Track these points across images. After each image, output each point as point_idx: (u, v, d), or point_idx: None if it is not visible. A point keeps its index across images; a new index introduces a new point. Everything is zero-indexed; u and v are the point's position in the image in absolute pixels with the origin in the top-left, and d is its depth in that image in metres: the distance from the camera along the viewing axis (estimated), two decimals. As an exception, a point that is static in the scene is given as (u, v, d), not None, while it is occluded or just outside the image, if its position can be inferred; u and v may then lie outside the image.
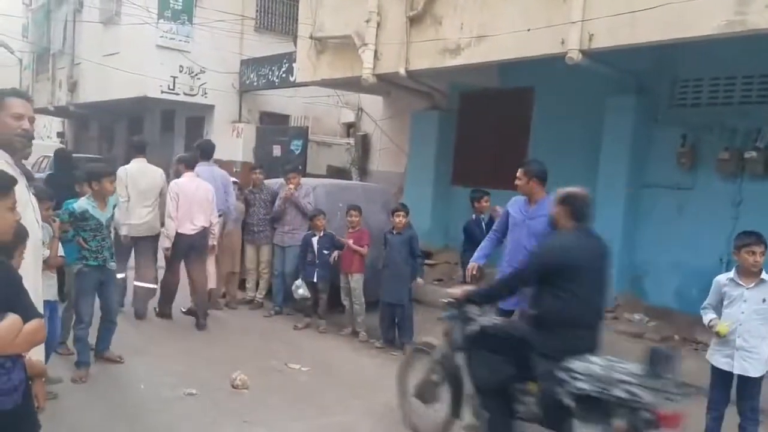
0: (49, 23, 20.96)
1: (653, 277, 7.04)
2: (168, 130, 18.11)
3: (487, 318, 3.80)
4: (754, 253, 3.85)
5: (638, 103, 7.01)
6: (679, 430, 3.06)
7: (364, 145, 12.18)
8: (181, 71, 15.17)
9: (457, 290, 3.94)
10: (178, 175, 6.80)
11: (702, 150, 6.69)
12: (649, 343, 6.27)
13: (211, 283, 6.97)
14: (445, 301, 3.97)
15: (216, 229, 6.75)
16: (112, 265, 5.07)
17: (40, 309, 2.32)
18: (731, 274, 4.00)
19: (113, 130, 21.37)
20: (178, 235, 6.42)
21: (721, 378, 4.03)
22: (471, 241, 6.36)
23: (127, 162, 6.95)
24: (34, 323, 2.09)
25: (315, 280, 6.74)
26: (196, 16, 15.11)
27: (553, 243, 3.63)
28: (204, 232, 6.54)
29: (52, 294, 4.31)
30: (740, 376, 3.95)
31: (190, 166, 6.77)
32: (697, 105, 6.80)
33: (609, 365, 3.17)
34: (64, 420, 3.90)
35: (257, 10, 16.06)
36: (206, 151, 7.37)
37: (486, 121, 8.99)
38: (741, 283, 3.93)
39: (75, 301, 4.96)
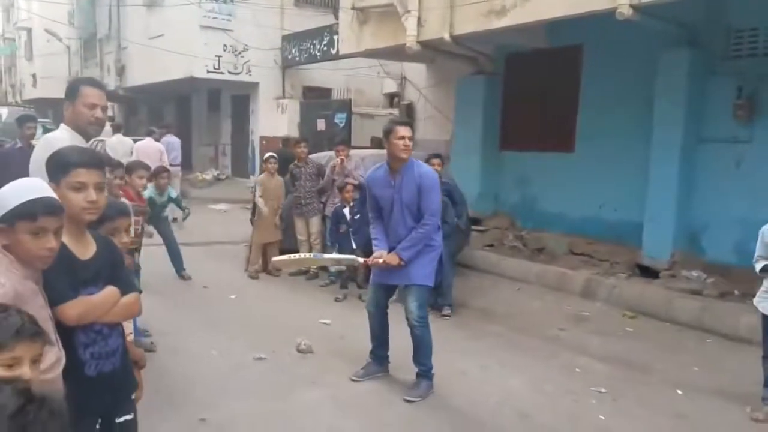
0: (95, 9, 21.45)
1: (711, 233, 6.93)
2: (215, 109, 18.45)
3: None
4: None
5: (692, 56, 6.83)
6: None
7: (408, 114, 12.17)
8: (225, 50, 15.39)
9: None
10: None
11: (760, 101, 6.50)
12: (707, 299, 6.26)
13: None
14: None
15: None
16: (163, 216, 7.10)
17: None
18: None
19: (162, 112, 21.85)
20: None
21: None
22: None
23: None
24: (131, 296, 2.29)
25: (354, 247, 6.81)
26: (237, -6, 15.27)
27: None
28: None
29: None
30: None
31: None
32: (753, 55, 6.59)
33: None
34: (144, 383, 4.15)
35: (296, -16, 16.12)
36: None
37: (533, 83, 8.89)
38: None
39: None
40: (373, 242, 4.50)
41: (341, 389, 4.44)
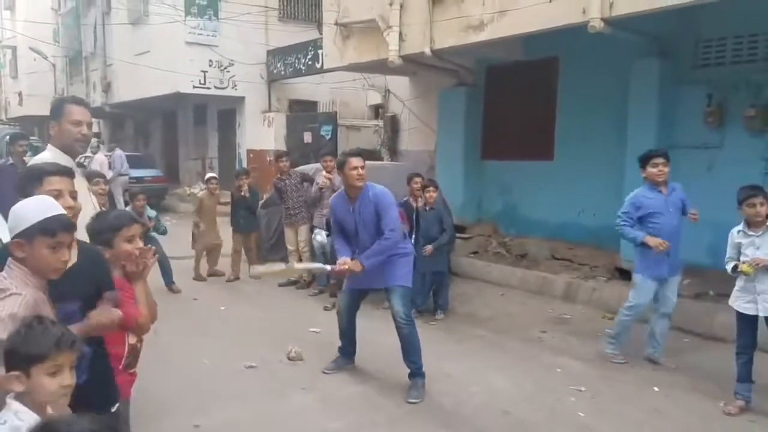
0: (79, 27, 21.52)
1: (686, 236, 7.09)
2: (201, 123, 18.58)
3: None
4: (754, 205, 4.16)
5: (662, 65, 7.09)
6: None
7: (393, 125, 12.40)
8: (210, 65, 15.53)
9: None
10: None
11: (729, 108, 6.76)
12: (683, 300, 6.46)
13: None
14: None
15: None
16: (150, 234, 7.05)
17: None
18: (741, 226, 4.29)
19: (148, 128, 21.95)
20: None
21: (746, 322, 4.28)
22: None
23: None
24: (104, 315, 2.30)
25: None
26: (222, 11, 15.44)
27: None
28: None
29: None
30: (767, 318, 4.18)
31: None
32: (721, 64, 6.86)
33: None
34: (139, 392, 4.27)
35: (280, 0, 16.31)
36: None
37: (513, 94, 9.13)
38: (750, 233, 4.23)
39: None
40: (336, 253, 4.82)
41: (331, 393, 4.60)
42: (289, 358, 5.23)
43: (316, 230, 7.14)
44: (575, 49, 7.76)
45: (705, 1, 5.56)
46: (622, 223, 5.11)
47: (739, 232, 4.30)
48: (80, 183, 3.16)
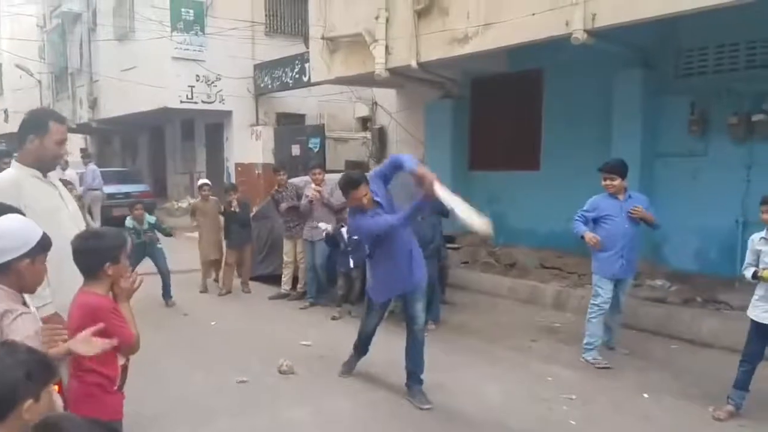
0: (65, 43, 21.47)
1: (672, 243, 7.24)
2: (189, 138, 18.56)
3: None
4: None
5: (645, 76, 7.21)
6: None
7: (380, 137, 12.46)
8: (197, 80, 15.54)
9: None
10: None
11: (712, 117, 6.88)
12: (671, 306, 6.53)
13: None
14: None
15: None
16: (158, 247, 7.64)
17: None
18: (763, 232, 4.23)
19: (136, 143, 21.88)
20: None
21: (761, 332, 4.20)
22: None
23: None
24: None
25: (351, 266, 7.04)
26: (208, 26, 15.47)
27: None
28: None
29: None
30: None
31: None
32: (703, 73, 6.98)
33: None
34: (130, 408, 4.25)
35: (266, 15, 16.37)
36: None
37: (498, 105, 9.23)
38: None
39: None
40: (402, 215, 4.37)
41: (323, 406, 4.59)
42: (280, 372, 5.22)
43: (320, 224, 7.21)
44: (559, 60, 7.87)
45: (685, 12, 5.65)
46: (576, 218, 5.57)
47: (760, 239, 4.22)
48: (50, 191, 3.17)
